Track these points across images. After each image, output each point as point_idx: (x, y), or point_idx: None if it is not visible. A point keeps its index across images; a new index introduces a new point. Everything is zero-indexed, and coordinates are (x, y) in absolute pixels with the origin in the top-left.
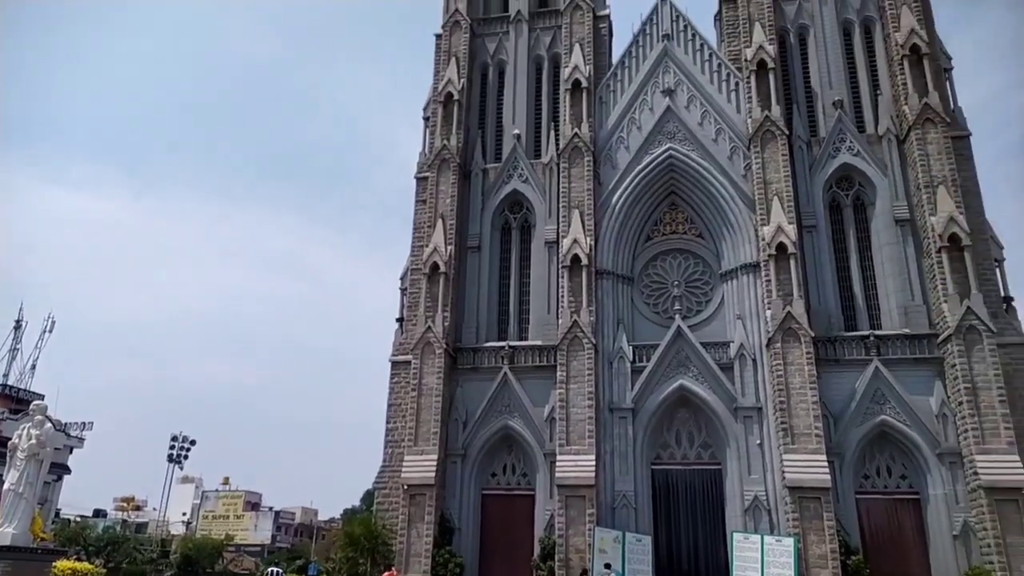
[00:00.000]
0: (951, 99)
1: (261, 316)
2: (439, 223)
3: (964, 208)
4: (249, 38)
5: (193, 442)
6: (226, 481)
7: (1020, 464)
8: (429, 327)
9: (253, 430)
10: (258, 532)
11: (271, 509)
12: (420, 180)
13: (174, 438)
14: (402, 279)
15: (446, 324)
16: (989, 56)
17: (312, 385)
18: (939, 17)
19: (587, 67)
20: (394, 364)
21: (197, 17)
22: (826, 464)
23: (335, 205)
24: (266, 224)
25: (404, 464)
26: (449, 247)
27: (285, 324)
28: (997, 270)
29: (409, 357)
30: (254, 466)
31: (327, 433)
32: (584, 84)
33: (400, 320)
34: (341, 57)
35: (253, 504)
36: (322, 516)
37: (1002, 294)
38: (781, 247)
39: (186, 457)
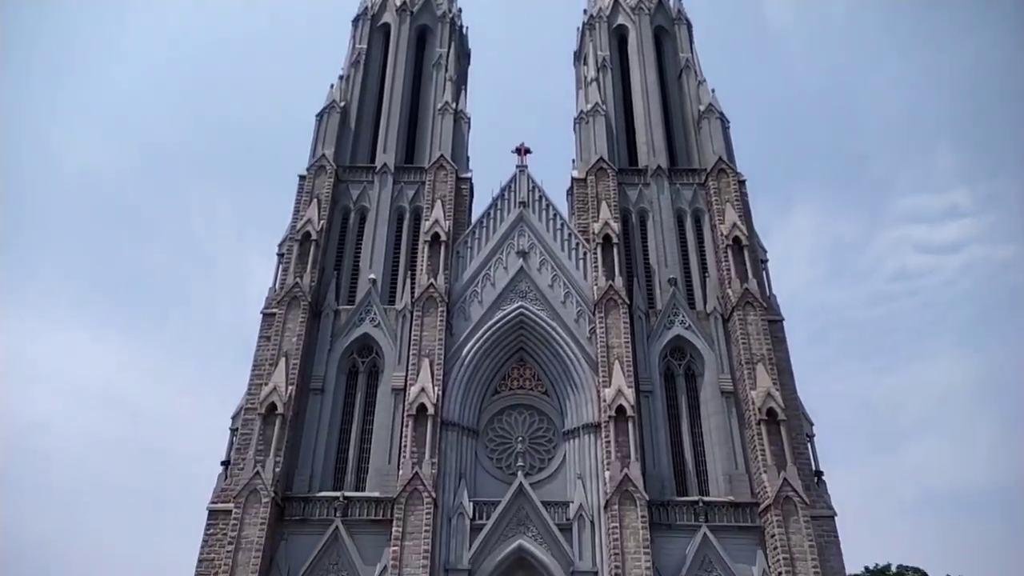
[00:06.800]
0: (767, 286)
1: (65, 450)
2: (282, 362)
3: (779, 385)
4: (85, 147)
5: None
6: None
7: None
8: (258, 472)
9: None
10: None
11: None
12: (267, 316)
13: None
14: (234, 419)
15: (277, 470)
16: (797, 254)
17: (117, 532)
18: (757, 215)
19: (447, 222)
20: (212, 513)
21: (24, 118)
22: None
23: (168, 334)
24: (84, 348)
25: None
26: (290, 388)
27: (91, 460)
28: (808, 445)
29: (231, 505)
30: None
31: None
32: (443, 238)
33: (226, 463)
34: (190, 182)
35: None
36: None
37: (813, 468)
38: (621, 410)
39: None
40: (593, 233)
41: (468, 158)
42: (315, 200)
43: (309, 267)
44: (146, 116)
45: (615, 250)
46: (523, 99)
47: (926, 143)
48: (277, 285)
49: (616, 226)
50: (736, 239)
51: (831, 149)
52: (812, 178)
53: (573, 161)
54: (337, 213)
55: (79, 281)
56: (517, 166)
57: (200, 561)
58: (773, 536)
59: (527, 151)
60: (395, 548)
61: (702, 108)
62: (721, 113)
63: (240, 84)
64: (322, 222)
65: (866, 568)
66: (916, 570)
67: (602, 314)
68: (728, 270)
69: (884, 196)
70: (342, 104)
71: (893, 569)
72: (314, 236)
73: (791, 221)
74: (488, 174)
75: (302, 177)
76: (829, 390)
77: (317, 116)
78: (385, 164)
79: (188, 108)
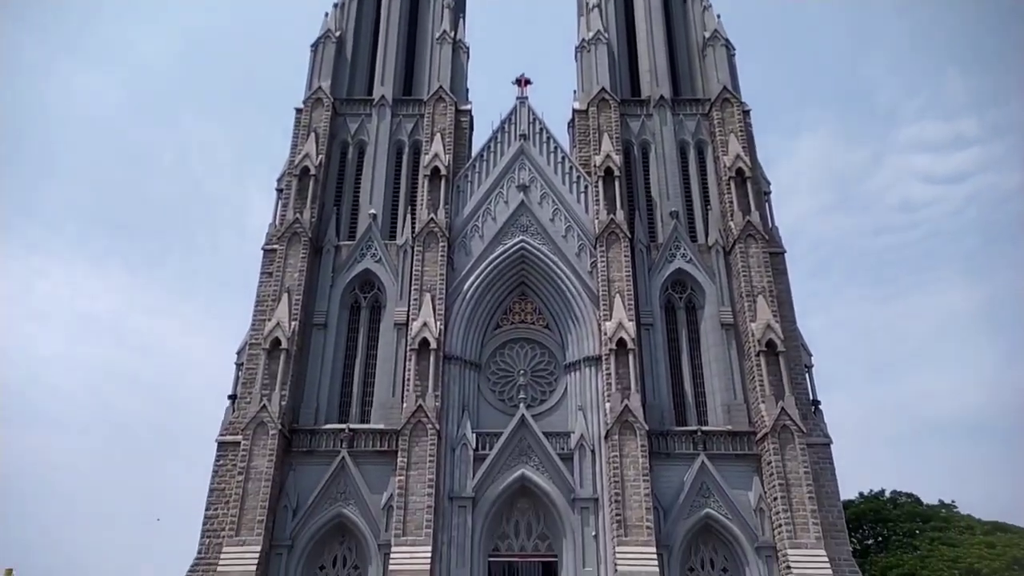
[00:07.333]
0: (770, 218)
1: (71, 385)
2: (284, 297)
3: (779, 317)
4: (82, 82)
5: None
6: (8, 573)
7: (827, 559)
8: (264, 406)
9: (45, 515)
10: None
11: None
12: (268, 252)
13: None
14: (239, 353)
15: (283, 403)
16: (801, 185)
17: (123, 465)
18: (762, 144)
19: (447, 156)
20: (221, 445)
21: (22, 54)
22: (655, 556)
23: (172, 270)
24: (90, 283)
25: (222, 556)
26: (293, 323)
27: (98, 395)
28: (807, 375)
29: (239, 438)
30: (46, 556)
31: (136, 521)
32: (443, 172)
33: (233, 397)
34: (188, 117)
35: None
36: None
37: (811, 397)
38: (621, 342)
39: None
40: (594, 166)
41: (467, 90)
42: (312, 134)
43: (309, 202)
44: (141, 49)
45: (616, 183)
46: (523, 27)
47: (935, 70)
48: (277, 221)
49: (618, 159)
50: (739, 171)
51: (838, 76)
52: (819, 106)
53: (575, 92)
54: (335, 147)
55: (79, 216)
56: (517, 98)
57: (211, 491)
58: (769, 463)
59: (527, 82)
60: (400, 477)
61: (707, 35)
62: (726, 40)
63: (235, 13)
64: (320, 157)
65: (860, 494)
66: (909, 495)
67: (603, 248)
68: (730, 202)
69: (891, 124)
70: (337, 34)
71: (887, 494)
72: (313, 171)
73: (797, 150)
74: (488, 106)
75: (299, 110)
76: (830, 320)
77: (312, 47)
78: (383, 96)
79: (184, 41)
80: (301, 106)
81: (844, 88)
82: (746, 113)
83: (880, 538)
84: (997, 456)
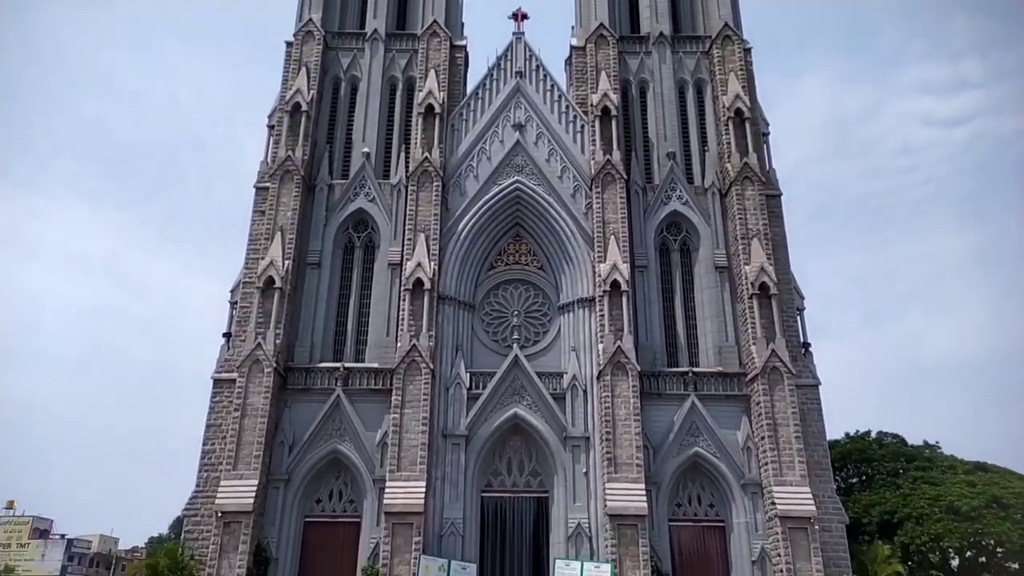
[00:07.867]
0: (767, 161)
1: (66, 324)
2: (277, 236)
3: (773, 260)
4: (68, 20)
5: None
6: (10, 505)
7: (810, 496)
8: (259, 344)
9: (47, 449)
10: (46, 563)
11: (63, 537)
12: (260, 190)
13: None
14: (233, 292)
15: (278, 342)
16: (801, 128)
17: (121, 402)
18: (764, 84)
19: (441, 93)
20: (217, 382)
21: None
22: (644, 493)
23: (165, 209)
24: (82, 223)
25: (220, 489)
26: (287, 262)
27: (93, 334)
28: (798, 318)
29: (234, 375)
30: (46, 489)
31: (134, 454)
32: (437, 110)
33: (227, 335)
34: (177, 53)
35: (42, 531)
36: (124, 545)
37: (801, 340)
38: (615, 284)
39: None
40: (591, 105)
41: (463, 24)
42: (304, 69)
43: (301, 140)
44: None
45: (613, 123)
46: None
47: (940, 11)
48: (269, 159)
49: (615, 98)
50: (738, 111)
51: (843, 17)
52: (822, 48)
53: (572, 28)
54: (327, 83)
55: (69, 154)
56: (514, 33)
57: (208, 427)
58: (758, 404)
59: (524, 16)
60: (395, 415)
61: None
62: None
63: None
64: (312, 92)
65: (847, 434)
66: (895, 436)
67: (599, 189)
68: (728, 143)
69: (894, 67)
70: None
71: (873, 435)
72: (304, 107)
73: (800, 91)
74: (483, 41)
75: (289, 44)
76: (826, 264)
77: None
78: (376, 30)
79: None
80: (292, 39)
81: (848, 29)
82: (747, 51)
83: (864, 477)
84: (983, 399)
